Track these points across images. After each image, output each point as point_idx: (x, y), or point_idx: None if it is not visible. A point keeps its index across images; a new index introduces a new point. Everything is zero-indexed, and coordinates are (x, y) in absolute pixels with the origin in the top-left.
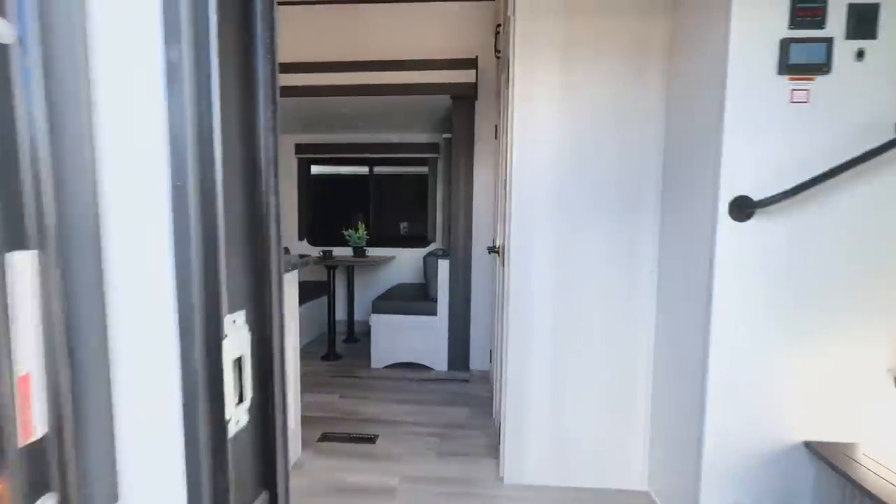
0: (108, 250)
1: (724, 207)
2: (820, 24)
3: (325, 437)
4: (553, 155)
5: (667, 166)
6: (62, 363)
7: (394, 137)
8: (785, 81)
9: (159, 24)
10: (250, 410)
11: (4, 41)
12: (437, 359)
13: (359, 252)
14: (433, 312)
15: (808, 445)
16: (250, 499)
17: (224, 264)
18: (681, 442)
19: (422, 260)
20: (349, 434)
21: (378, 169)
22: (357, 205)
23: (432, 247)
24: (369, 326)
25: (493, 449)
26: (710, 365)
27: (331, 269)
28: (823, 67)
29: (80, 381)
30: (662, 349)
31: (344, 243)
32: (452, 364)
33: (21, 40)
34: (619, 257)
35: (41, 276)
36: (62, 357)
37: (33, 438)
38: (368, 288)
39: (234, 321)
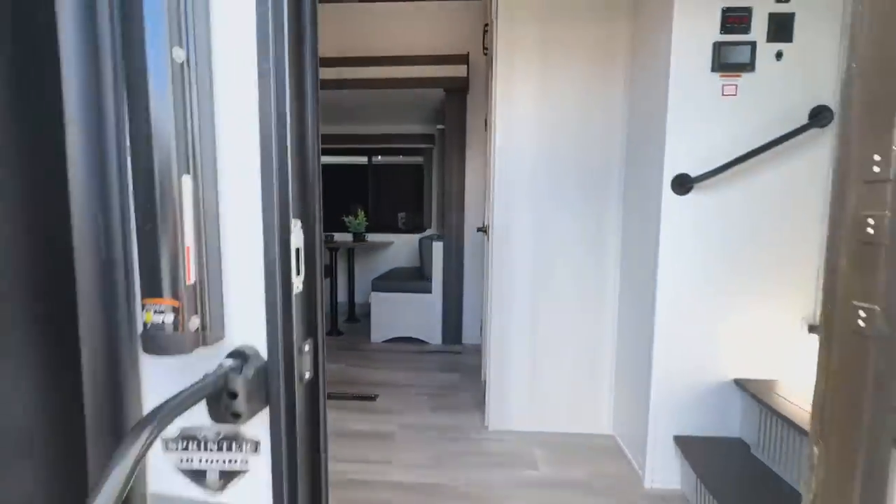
0: (223, 178)
1: (667, 183)
2: (746, 30)
3: (329, 396)
4: (531, 145)
5: (628, 151)
6: (202, 242)
7: (391, 129)
8: (717, 78)
9: (254, 48)
10: (303, 283)
11: (180, 61)
12: (433, 333)
13: (358, 237)
14: (428, 291)
15: (737, 382)
16: (302, 342)
17: (290, 192)
18: (635, 388)
19: (417, 245)
20: (352, 393)
21: (376, 159)
22: (357, 193)
23: (428, 233)
24: (369, 308)
25: (481, 405)
26: (657, 319)
27: (332, 252)
28: (748, 66)
29: (207, 255)
30: (624, 310)
31: (344, 229)
32: (446, 338)
33: (187, 60)
34: (588, 232)
35: (193, 191)
36: (202, 238)
37: (190, 282)
38: (368, 272)
39: (296, 225)
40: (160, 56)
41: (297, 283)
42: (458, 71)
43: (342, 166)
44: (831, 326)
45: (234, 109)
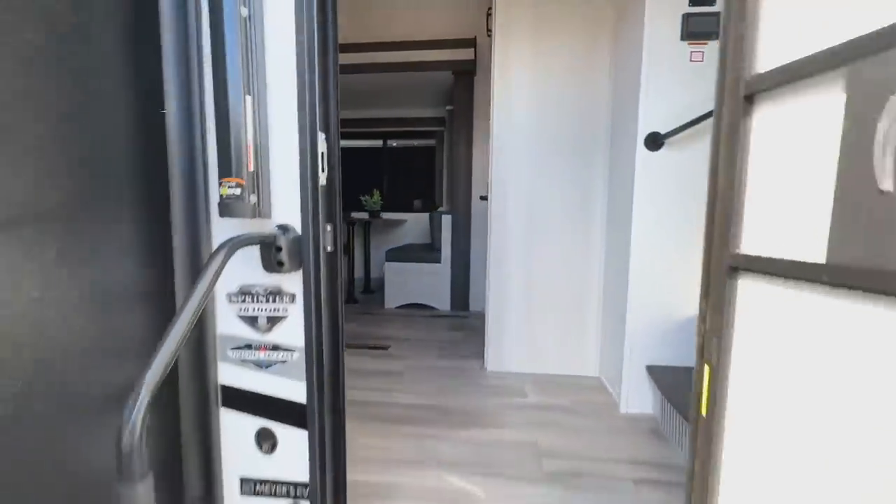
0: (271, 99)
1: (641, 141)
2: (712, 2)
3: (346, 346)
4: (525, 113)
5: (612, 119)
6: (258, 143)
7: (404, 113)
8: (686, 46)
9: (293, 9)
10: (326, 178)
11: (245, 16)
12: (442, 300)
13: (374, 215)
14: (438, 261)
15: None
16: (325, 223)
17: (318, 112)
18: (614, 326)
19: (429, 221)
20: (366, 343)
21: (391, 142)
22: (372, 174)
23: (439, 211)
24: (383, 281)
25: (482, 355)
26: (631, 263)
27: (350, 226)
28: (714, 34)
29: (260, 153)
30: (608, 260)
31: (361, 209)
32: (454, 304)
33: (249, 16)
34: (577, 193)
35: (252, 106)
36: (257, 140)
37: (251, 170)
38: (383, 248)
39: (322, 136)
40: (232, 12)
41: (322, 178)
42: (466, 54)
43: (359, 149)
44: (712, 219)
45: (279, 52)
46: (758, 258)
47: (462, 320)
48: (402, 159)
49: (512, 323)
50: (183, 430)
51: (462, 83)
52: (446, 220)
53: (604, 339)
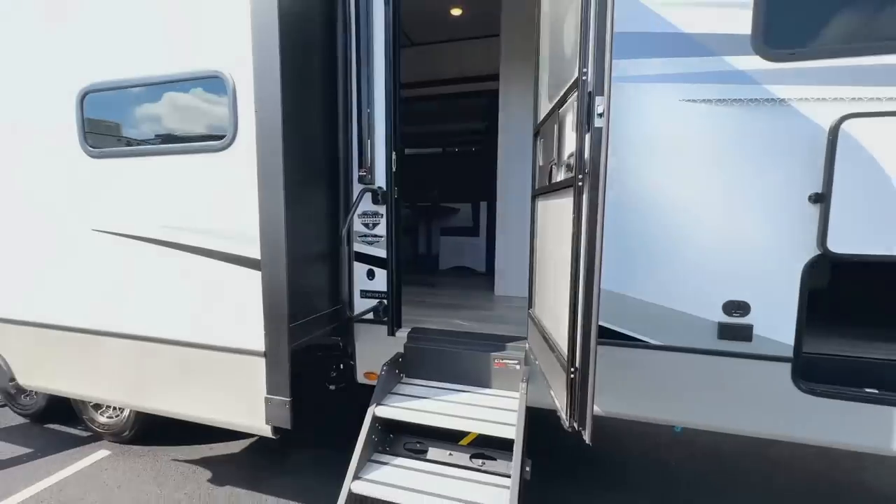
0: (376, 139)
1: None
2: None
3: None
4: (519, 136)
5: None
6: (371, 152)
7: (456, 127)
8: None
9: (383, 52)
10: (395, 168)
11: (367, 112)
12: (479, 263)
13: (433, 205)
14: (477, 235)
15: None
16: (394, 187)
17: (392, 144)
18: None
19: (471, 210)
20: (418, 282)
21: (448, 149)
22: (433, 174)
23: None
24: (439, 254)
25: None
26: None
27: (414, 213)
28: None
29: (372, 157)
30: None
31: (424, 200)
32: (488, 267)
33: (370, 113)
34: None
35: (371, 144)
36: (371, 151)
37: (368, 165)
38: (440, 231)
39: (393, 153)
40: (362, 111)
41: (393, 167)
42: (494, 85)
43: (423, 155)
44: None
45: (380, 125)
46: (540, 188)
47: (492, 276)
48: (456, 162)
49: (513, 262)
50: (342, 272)
51: (492, 106)
52: (483, 205)
53: None
